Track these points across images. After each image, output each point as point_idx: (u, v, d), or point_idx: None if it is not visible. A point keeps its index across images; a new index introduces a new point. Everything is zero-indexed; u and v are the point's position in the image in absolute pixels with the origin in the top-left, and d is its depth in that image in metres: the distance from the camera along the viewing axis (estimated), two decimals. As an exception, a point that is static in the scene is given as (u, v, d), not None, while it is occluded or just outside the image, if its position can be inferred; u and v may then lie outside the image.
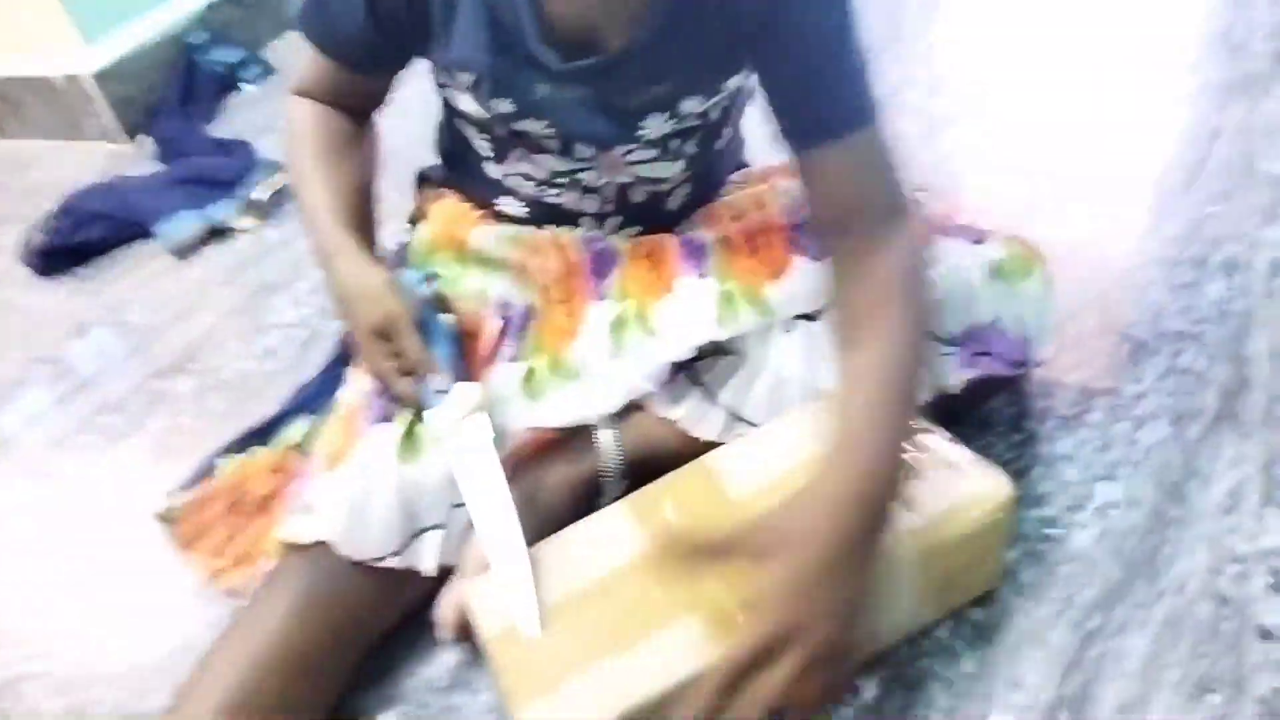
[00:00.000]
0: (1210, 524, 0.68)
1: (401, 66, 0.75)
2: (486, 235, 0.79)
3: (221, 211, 1.35)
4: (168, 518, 0.80)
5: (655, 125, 0.70)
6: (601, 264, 0.77)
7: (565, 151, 0.73)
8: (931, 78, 1.27)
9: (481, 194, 0.81)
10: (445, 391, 0.69)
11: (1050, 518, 0.71)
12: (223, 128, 1.65)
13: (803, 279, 0.73)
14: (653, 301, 0.74)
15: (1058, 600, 0.66)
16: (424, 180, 0.89)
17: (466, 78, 0.69)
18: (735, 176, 0.84)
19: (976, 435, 0.78)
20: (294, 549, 0.67)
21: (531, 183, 0.77)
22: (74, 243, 1.37)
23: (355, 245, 0.73)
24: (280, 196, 1.37)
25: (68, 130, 1.74)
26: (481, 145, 0.77)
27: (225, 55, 1.74)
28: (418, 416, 0.69)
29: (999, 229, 0.77)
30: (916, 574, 0.61)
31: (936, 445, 0.65)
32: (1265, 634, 0.61)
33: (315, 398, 0.86)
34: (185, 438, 1.02)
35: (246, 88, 1.74)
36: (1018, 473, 0.74)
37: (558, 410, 0.73)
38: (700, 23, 0.64)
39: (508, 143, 0.74)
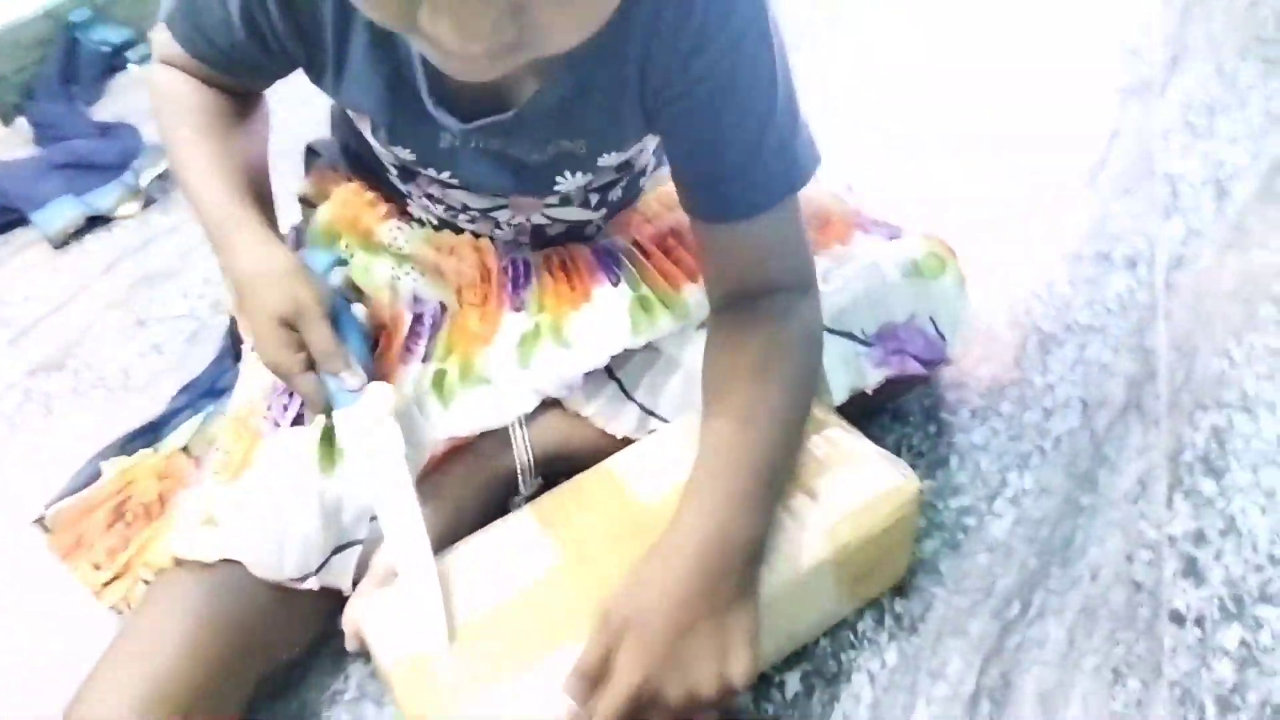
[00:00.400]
0: (1121, 510, 0.69)
1: (285, 74, 0.67)
2: (396, 230, 0.75)
3: (103, 198, 1.26)
4: (46, 526, 0.73)
5: (571, 181, 0.65)
6: (519, 273, 0.73)
7: (477, 191, 0.68)
8: (827, 88, 1.28)
9: (387, 193, 0.76)
10: (356, 391, 0.62)
11: (966, 507, 0.71)
12: (106, 110, 1.54)
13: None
14: (568, 313, 0.70)
15: (977, 590, 0.65)
16: (314, 155, 0.83)
17: (368, 124, 0.63)
18: (663, 191, 0.79)
19: (891, 427, 0.78)
20: (188, 564, 0.61)
21: (441, 206, 0.72)
22: (-62, 231, 1.27)
23: (256, 220, 0.65)
24: (166, 182, 1.29)
25: (-66, 112, 1.61)
26: (386, 159, 0.70)
27: (109, 34, 1.64)
28: (328, 418, 0.64)
29: (912, 226, 0.77)
30: (830, 573, 0.59)
31: (845, 441, 0.64)
32: (1177, 618, 0.62)
33: (203, 396, 0.80)
34: (63, 439, 0.94)
35: (132, 68, 1.63)
36: (933, 464, 0.74)
37: (469, 417, 0.69)
38: (610, 82, 0.57)
39: (411, 173, 0.69)
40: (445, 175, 0.66)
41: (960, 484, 0.73)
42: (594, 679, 0.51)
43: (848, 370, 0.70)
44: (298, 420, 0.65)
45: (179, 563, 0.61)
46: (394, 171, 0.71)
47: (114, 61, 1.64)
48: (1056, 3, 1.38)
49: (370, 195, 0.76)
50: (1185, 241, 0.92)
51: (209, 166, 0.66)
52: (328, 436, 0.64)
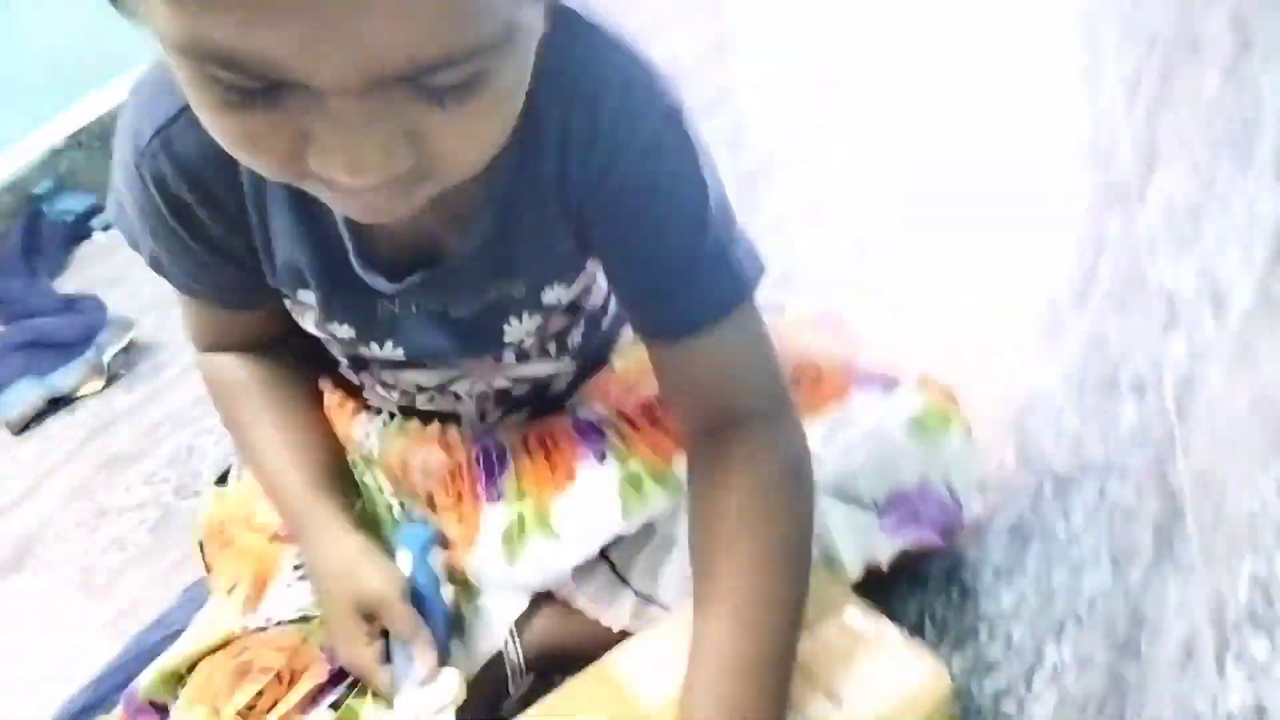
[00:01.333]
0: (1170, 683, 0.63)
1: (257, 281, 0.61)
2: (366, 426, 0.70)
3: (65, 378, 1.22)
4: None
5: (520, 327, 0.61)
6: (491, 461, 0.68)
7: (428, 367, 0.64)
8: (801, 224, 1.26)
9: (344, 387, 0.71)
10: (428, 681, 0.58)
11: (1003, 689, 0.65)
12: (71, 281, 1.52)
13: None
14: (552, 498, 0.65)
15: (1024, 794, 0.59)
16: None
17: (306, 298, 0.59)
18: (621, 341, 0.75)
19: (910, 593, 0.72)
20: None
21: (395, 392, 0.68)
22: (-108, 423, 1.22)
23: (331, 512, 0.63)
24: (130, 356, 1.25)
25: (-109, 291, 1.57)
26: (334, 350, 0.66)
27: (73, 204, 1.63)
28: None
29: (906, 370, 0.73)
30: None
31: (866, 628, 0.58)
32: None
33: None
34: (21, 644, 0.88)
35: (97, 235, 1.61)
36: (961, 637, 0.68)
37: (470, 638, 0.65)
38: (533, 210, 0.54)
39: (360, 360, 0.66)
40: (389, 349, 0.61)
41: (994, 660, 0.67)
42: None
43: (859, 543, 0.65)
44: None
45: None
46: (344, 362, 0.67)
47: (78, 230, 1.62)
48: (1018, 109, 1.38)
49: (339, 394, 0.71)
50: (1190, 361, 0.88)
51: (279, 451, 0.65)
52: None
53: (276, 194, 0.54)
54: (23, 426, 1.19)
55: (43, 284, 1.49)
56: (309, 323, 0.62)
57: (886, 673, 0.56)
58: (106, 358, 1.23)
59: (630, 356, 0.73)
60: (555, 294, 0.60)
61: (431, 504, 0.68)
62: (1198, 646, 0.65)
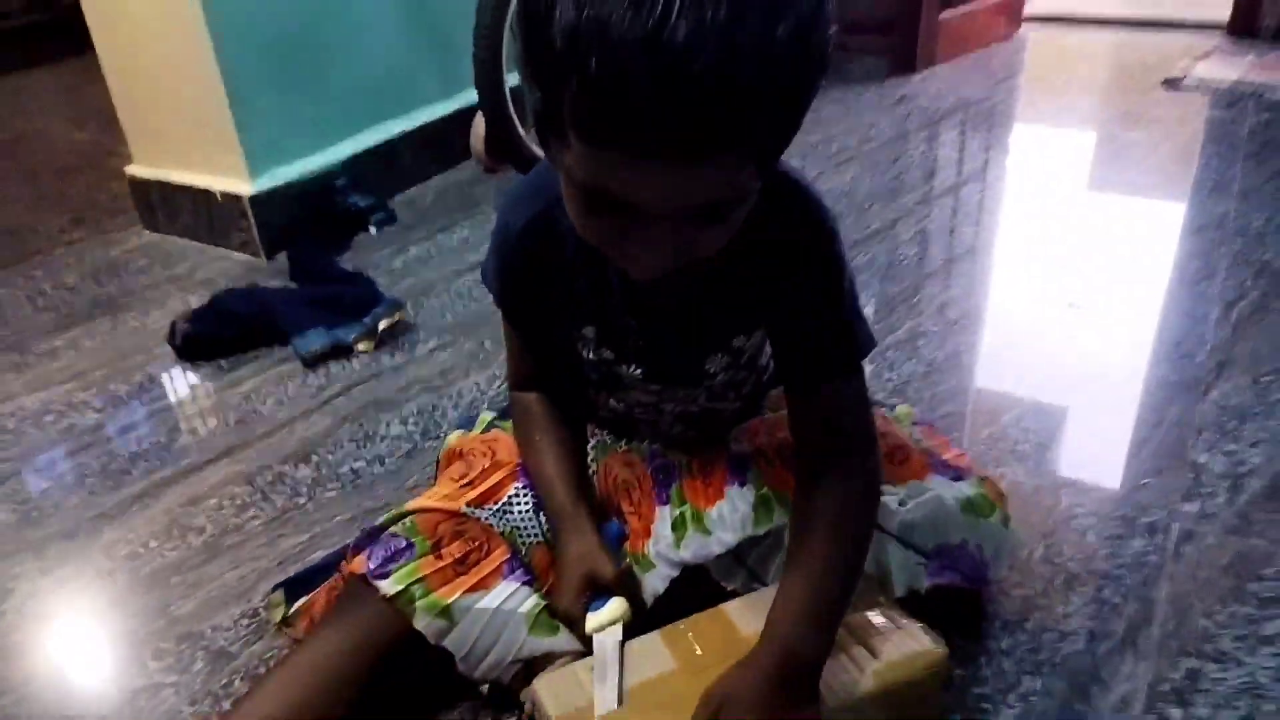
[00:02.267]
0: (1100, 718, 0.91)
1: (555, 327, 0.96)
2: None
3: (347, 334, 1.62)
4: (289, 622, 1.02)
5: (716, 363, 0.94)
6: (661, 477, 1.01)
7: (654, 391, 0.98)
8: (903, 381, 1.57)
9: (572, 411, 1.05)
10: (604, 600, 0.90)
11: (986, 695, 0.93)
12: (348, 261, 1.95)
13: None
14: (706, 507, 0.97)
15: (983, 756, 0.88)
16: None
17: (590, 330, 0.93)
18: (774, 392, 1.08)
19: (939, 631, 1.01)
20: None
21: (622, 405, 1.02)
22: (217, 336, 1.64)
23: (579, 512, 0.94)
24: (396, 330, 1.65)
25: (213, 238, 2.05)
26: (592, 378, 1.00)
27: (358, 199, 2.07)
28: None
29: (974, 469, 1.03)
30: (874, 702, 0.83)
31: (898, 618, 0.89)
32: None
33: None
34: (301, 516, 1.25)
35: (372, 230, 2.06)
36: (964, 658, 0.97)
37: (649, 588, 0.96)
38: (740, 278, 0.84)
39: (607, 380, 0.99)
40: (632, 368, 0.95)
41: (985, 677, 0.95)
42: None
43: (907, 574, 0.94)
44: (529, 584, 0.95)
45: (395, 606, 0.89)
46: (595, 379, 1.01)
47: (359, 221, 2.06)
48: (1124, 301, 1.66)
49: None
50: (1198, 521, 1.15)
51: (554, 466, 0.97)
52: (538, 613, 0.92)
53: (579, 267, 0.88)
54: (313, 362, 1.59)
55: (330, 256, 1.93)
56: (586, 349, 0.96)
57: (904, 639, 0.86)
58: (381, 326, 1.63)
59: (776, 409, 1.06)
60: (739, 342, 0.93)
61: (622, 508, 1.02)
62: (1132, 701, 0.92)
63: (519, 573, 0.95)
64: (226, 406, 1.51)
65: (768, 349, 0.98)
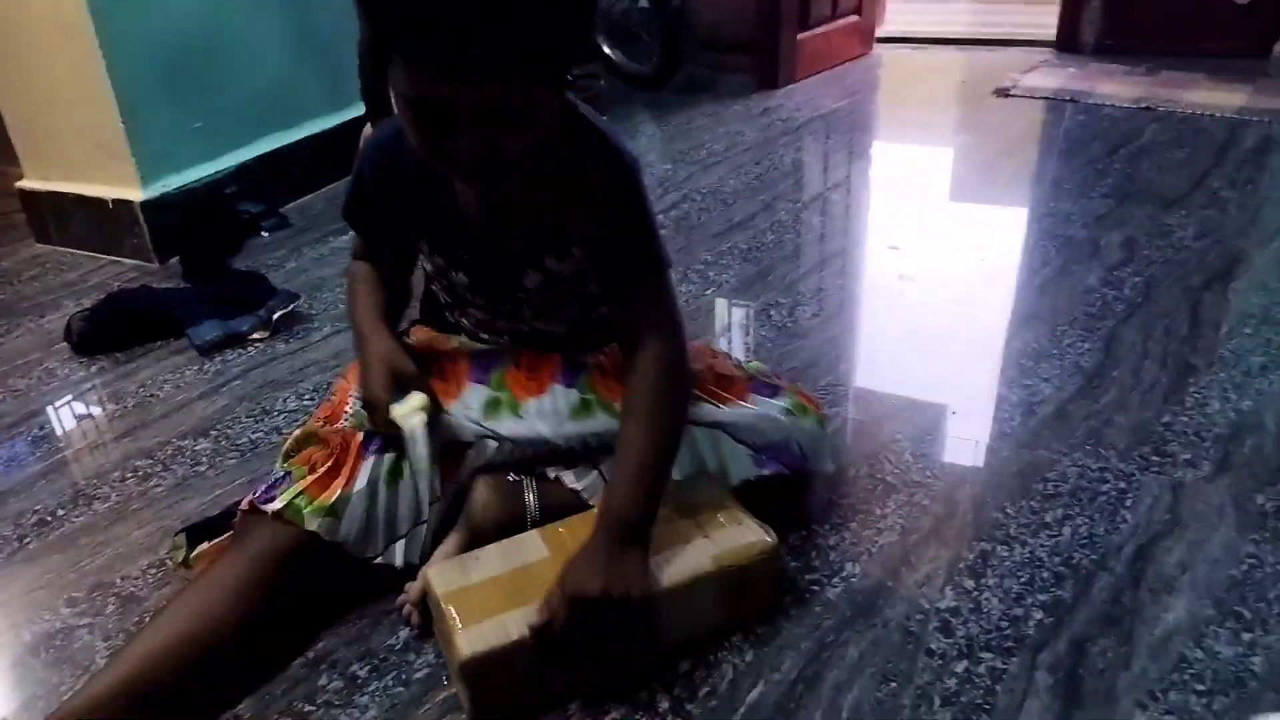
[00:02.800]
0: (908, 592, 1.08)
1: (402, 243, 1.14)
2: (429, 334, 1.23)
3: (242, 325, 1.71)
4: (189, 564, 1.11)
5: (531, 280, 1.09)
6: (483, 361, 1.16)
7: (483, 306, 1.14)
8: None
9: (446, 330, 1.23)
10: (404, 396, 1.05)
11: (815, 580, 1.10)
12: (240, 262, 2.04)
13: None
14: (525, 398, 1.12)
15: (810, 625, 1.04)
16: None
17: (423, 243, 1.12)
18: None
19: (784, 529, 1.18)
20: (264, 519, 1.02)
21: (470, 323, 1.18)
22: (113, 331, 1.72)
23: (385, 328, 1.11)
24: (290, 319, 1.75)
25: (106, 246, 2.11)
26: (444, 299, 1.18)
27: (250, 206, 2.16)
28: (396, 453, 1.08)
29: (787, 387, 1.20)
30: (711, 583, 0.98)
31: (735, 513, 1.04)
32: (930, 653, 1.00)
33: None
34: (202, 482, 1.35)
35: (265, 235, 2.15)
36: (799, 552, 1.13)
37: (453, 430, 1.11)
38: (550, 207, 1.02)
39: (453, 294, 1.16)
40: (460, 277, 1.11)
41: (815, 566, 1.12)
42: (554, 599, 0.91)
43: (741, 466, 1.11)
44: (383, 451, 1.08)
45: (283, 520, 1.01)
46: (446, 298, 1.17)
47: (251, 227, 2.16)
48: (942, 277, 1.88)
49: (420, 330, 1.24)
50: (997, 439, 1.34)
51: (366, 307, 1.13)
52: (394, 466, 1.07)
53: (420, 179, 1.03)
54: (209, 351, 1.68)
55: (223, 258, 2.01)
56: (424, 261, 1.13)
57: (740, 530, 1.02)
58: (276, 316, 1.73)
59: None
60: (550, 262, 1.07)
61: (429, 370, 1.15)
62: (934, 575, 1.10)
63: (374, 444, 1.09)
64: (124, 394, 1.58)
65: (595, 286, 1.12)
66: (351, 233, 1.18)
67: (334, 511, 1.03)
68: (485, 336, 1.19)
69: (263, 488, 1.05)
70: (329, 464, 1.06)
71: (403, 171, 1.04)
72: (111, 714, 0.89)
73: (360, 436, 1.09)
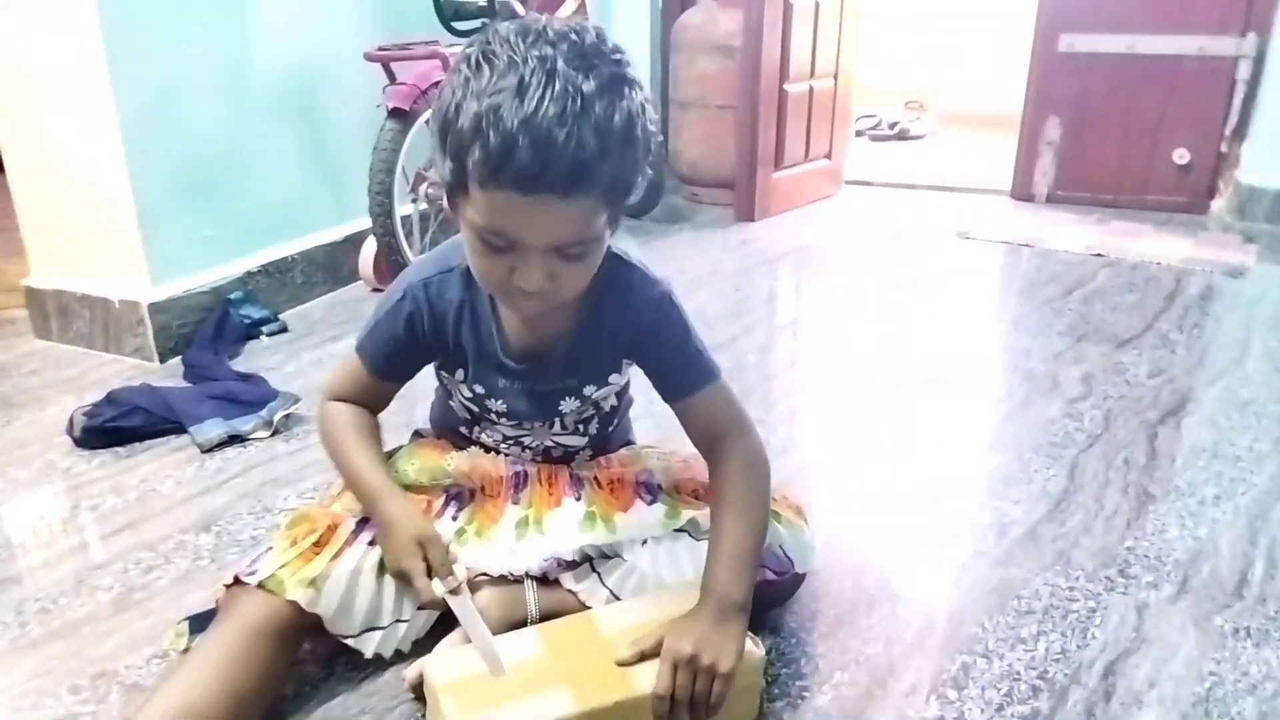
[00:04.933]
0: (896, 701, 1.13)
1: (414, 373, 1.19)
2: (450, 458, 1.25)
3: (243, 424, 1.76)
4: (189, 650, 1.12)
5: (568, 405, 1.17)
6: (519, 481, 1.23)
7: (514, 424, 1.21)
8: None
9: (459, 444, 1.28)
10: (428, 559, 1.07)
11: (805, 686, 1.15)
12: (241, 365, 2.09)
13: (638, 515, 1.17)
14: (547, 511, 1.19)
15: (802, 728, 1.09)
16: (416, 434, 1.36)
17: (460, 373, 1.17)
18: (623, 452, 1.30)
19: (767, 638, 1.23)
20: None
21: (492, 439, 1.25)
22: (115, 427, 1.75)
23: (398, 489, 1.13)
24: (290, 420, 1.81)
25: (107, 343, 2.15)
26: (465, 417, 1.25)
27: (252, 311, 2.23)
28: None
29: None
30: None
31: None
32: (911, 751, 1.05)
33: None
34: (204, 574, 1.37)
35: (265, 339, 2.21)
36: (790, 660, 1.19)
37: (477, 560, 1.15)
38: (596, 340, 1.11)
39: (480, 416, 1.22)
40: (498, 405, 1.18)
41: (805, 673, 1.17)
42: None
43: None
44: (374, 543, 1.12)
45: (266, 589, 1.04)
46: (467, 416, 1.23)
47: (252, 331, 2.22)
48: (911, 409, 1.99)
49: (441, 443, 1.28)
50: (972, 558, 1.42)
51: (366, 460, 1.14)
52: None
53: (464, 318, 1.12)
54: (209, 449, 1.72)
55: (224, 361, 2.07)
56: (456, 387, 1.19)
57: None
58: (276, 417, 1.78)
59: (617, 456, 1.28)
60: (590, 390, 1.17)
61: (482, 491, 1.21)
62: (920, 685, 1.16)
63: (365, 534, 1.13)
64: (126, 488, 1.61)
65: (613, 399, 1.23)
66: (336, 367, 1.22)
67: (314, 584, 1.06)
68: (505, 450, 1.26)
69: (247, 561, 1.10)
70: (314, 539, 1.10)
71: (446, 306, 1.11)
72: None
73: (351, 521, 1.14)
